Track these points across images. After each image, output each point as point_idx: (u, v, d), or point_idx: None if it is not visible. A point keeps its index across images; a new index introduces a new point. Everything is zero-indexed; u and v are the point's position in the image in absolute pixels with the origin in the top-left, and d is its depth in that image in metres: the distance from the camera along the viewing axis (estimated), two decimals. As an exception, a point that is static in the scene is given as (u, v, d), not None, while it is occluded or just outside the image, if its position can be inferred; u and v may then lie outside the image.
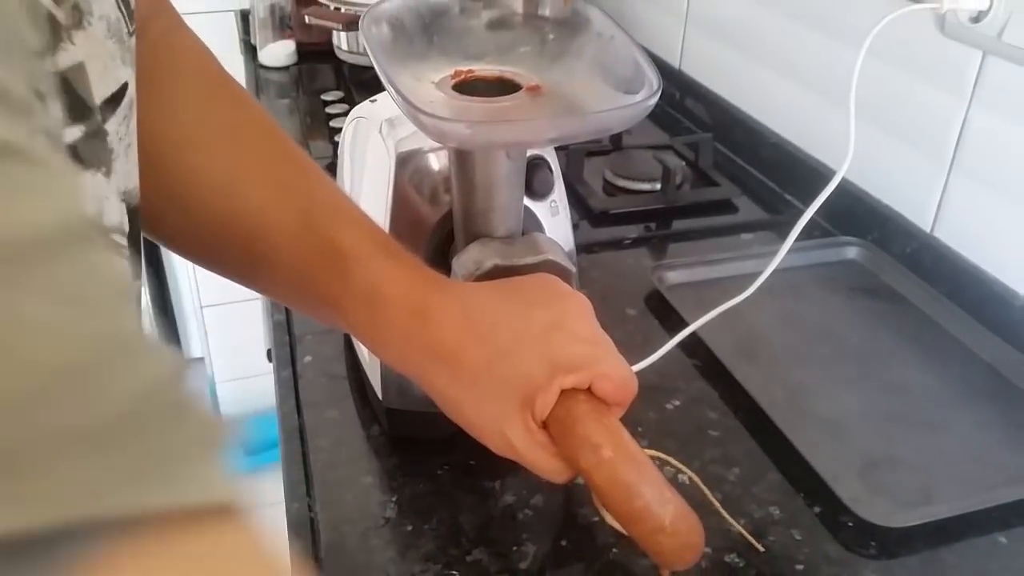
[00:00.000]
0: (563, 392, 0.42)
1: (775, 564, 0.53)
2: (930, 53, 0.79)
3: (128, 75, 0.33)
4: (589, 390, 0.43)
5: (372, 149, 0.59)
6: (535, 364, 0.42)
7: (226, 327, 1.78)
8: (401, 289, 0.43)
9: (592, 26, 0.47)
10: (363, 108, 0.64)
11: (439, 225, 0.55)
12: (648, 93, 0.42)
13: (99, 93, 0.30)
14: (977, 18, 0.71)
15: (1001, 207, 0.74)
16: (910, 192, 0.84)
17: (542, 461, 0.44)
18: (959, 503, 0.56)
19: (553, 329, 0.42)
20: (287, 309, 0.75)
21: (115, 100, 0.32)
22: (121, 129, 0.33)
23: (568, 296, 0.45)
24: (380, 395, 0.60)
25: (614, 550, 0.53)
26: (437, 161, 0.55)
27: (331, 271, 0.44)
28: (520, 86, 0.44)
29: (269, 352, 2.04)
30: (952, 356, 0.72)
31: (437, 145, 0.55)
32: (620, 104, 0.43)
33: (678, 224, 0.95)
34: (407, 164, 0.55)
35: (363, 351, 0.64)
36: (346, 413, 0.65)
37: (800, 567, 0.53)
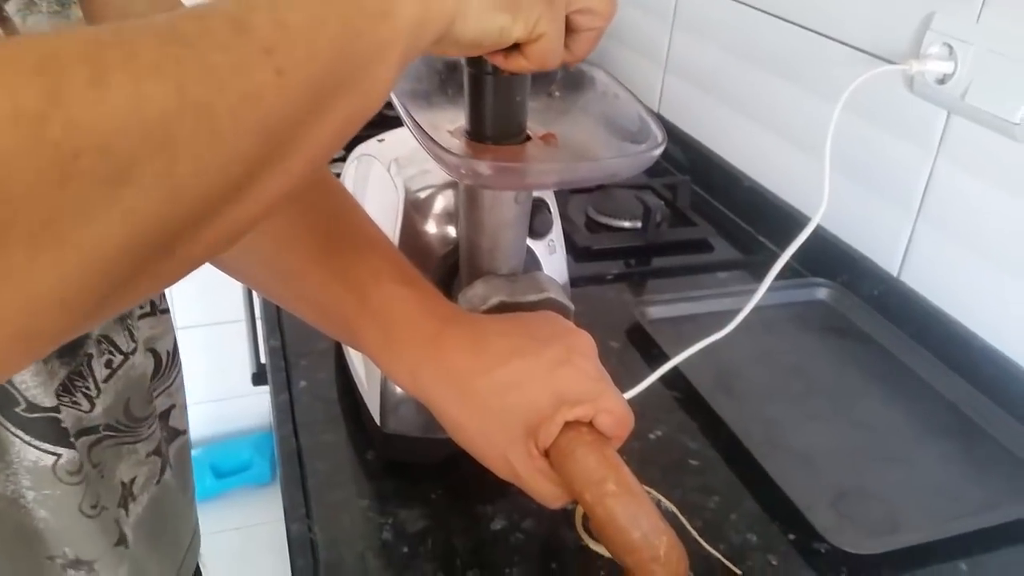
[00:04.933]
0: (566, 424, 0.45)
1: (753, 588, 0.56)
2: (900, 110, 0.84)
3: None
4: (590, 423, 0.46)
5: (378, 186, 0.62)
6: (542, 396, 0.44)
7: (200, 349, 1.78)
8: (417, 315, 0.46)
9: (597, 85, 0.51)
10: (369, 146, 0.67)
11: (443, 260, 0.58)
12: (654, 144, 0.46)
13: None
14: (943, 80, 0.76)
15: (964, 254, 0.79)
16: (879, 238, 0.89)
17: (541, 486, 0.47)
18: (924, 532, 0.60)
19: (561, 365, 0.45)
20: (283, 334, 0.77)
21: None
22: None
23: (574, 334, 0.48)
24: (378, 420, 0.62)
25: (601, 573, 0.55)
26: (444, 200, 0.58)
27: (350, 292, 0.46)
28: (529, 137, 0.48)
29: (256, 375, 2.01)
30: (917, 394, 0.77)
31: (445, 184, 0.58)
32: (630, 152, 0.47)
33: (657, 261, 0.99)
34: (416, 201, 0.58)
35: (360, 377, 0.67)
36: (341, 437, 0.67)
37: (777, 591, 0.56)
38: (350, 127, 0.32)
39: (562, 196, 1.05)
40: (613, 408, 0.45)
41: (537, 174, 0.46)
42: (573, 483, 0.45)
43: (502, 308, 0.51)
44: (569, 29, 0.42)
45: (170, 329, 0.53)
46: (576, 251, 0.98)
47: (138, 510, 0.50)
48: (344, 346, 0.73)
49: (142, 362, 0.48)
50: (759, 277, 0.71)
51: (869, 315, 0.87)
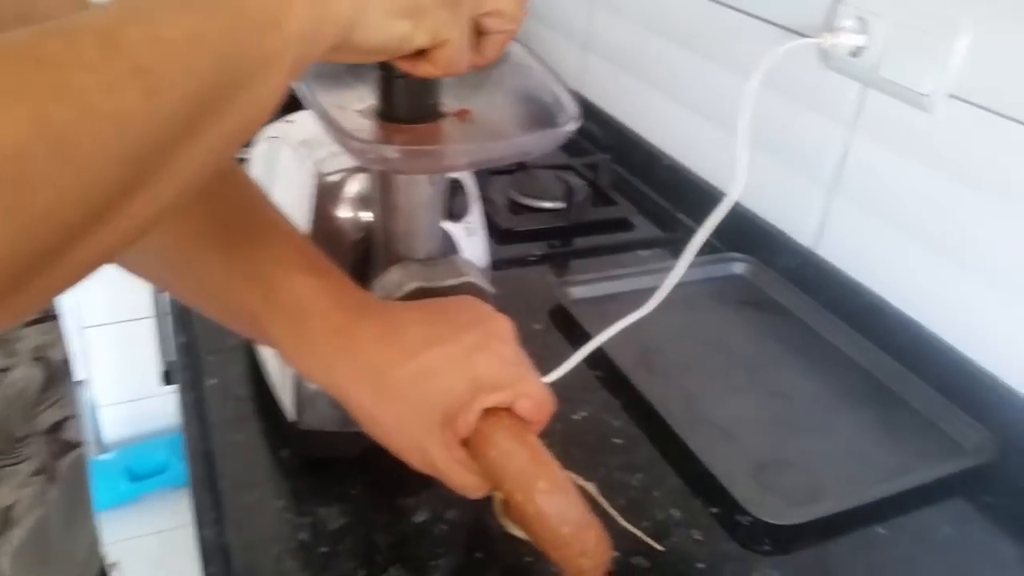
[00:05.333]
0: (485, 411, 0.44)
1: (678, 564, 0.56)
2: (814, 84, 0.85)
3: None
4: (509, 409, 0.45)
5: (288, 169, 0.60)
6: (459, 383, 0.43)
7: (109, 349, 1.71)
8: (327, 306, 0.44)
9: (511, 58, 0.49)
10: (277, 128, 0.64)
11: (357, 245, 0.56)
12: (567, 119, 0.44)
13: None
14: (856, 53, 0.78)
15: (878, 226, 0.81)
16: (795, 212, 0.91)
17: (460, 477, 0.45)
18: (843, 500, 0.61)
19: (478, 350, 0.44)
20: (192, 332, 0.74)
21: None
22: None
23: (493, 318, 0.46)
24: (292, 415, 0.60)
25: (527, 558, 0.55)
26: (357, 183, 0.56)
27: (254, 285, 0.44)
28: (442, 114, 0.46)
29: (166, 374, 1.94)
30: (833, 363, 0.78)
31: (357, 167, 0.56)
32: (543, 129, 0.45)
33: (579, 241, 0.99)
34: (327, 185, 0.56)
35: (272, 372, 0.64)
36: (254, 435, 0.64)
37: (701, 565, 0.56)
38: (233, 144, 0.30)
39: (483, 177, 1.03)
40: (532, 392, 0.45)
41: (448, 156, 0.44)
42: (500, 479, 0.44)
43: (419, 294, 0.50)
44: (479, 32, 0.41)
45: (61, 336, 0.50)
46: (499, 233, 0.97)
47: (21, 535, 0.46)
48: (256, 338, 0.71)
49: (25, 375, 0.45)
50: (679, 254, 0.71)
51: (786, 288, 0.88)
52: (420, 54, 0.39)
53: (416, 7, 0.37)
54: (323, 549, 0.55)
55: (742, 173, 0.72)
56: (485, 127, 0.46)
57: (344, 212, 0.56)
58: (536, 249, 0.95)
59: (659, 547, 0.56)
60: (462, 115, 0.47)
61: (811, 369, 0.78)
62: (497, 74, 0.49)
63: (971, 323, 0.73)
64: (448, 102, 0.47)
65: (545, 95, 0.47)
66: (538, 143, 0.46)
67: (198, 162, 0.29)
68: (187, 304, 0.54)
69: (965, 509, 0.64)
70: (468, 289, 0.51)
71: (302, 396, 0.58)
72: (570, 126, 0.44)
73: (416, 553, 0.55)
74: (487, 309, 0.47)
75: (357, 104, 0.46)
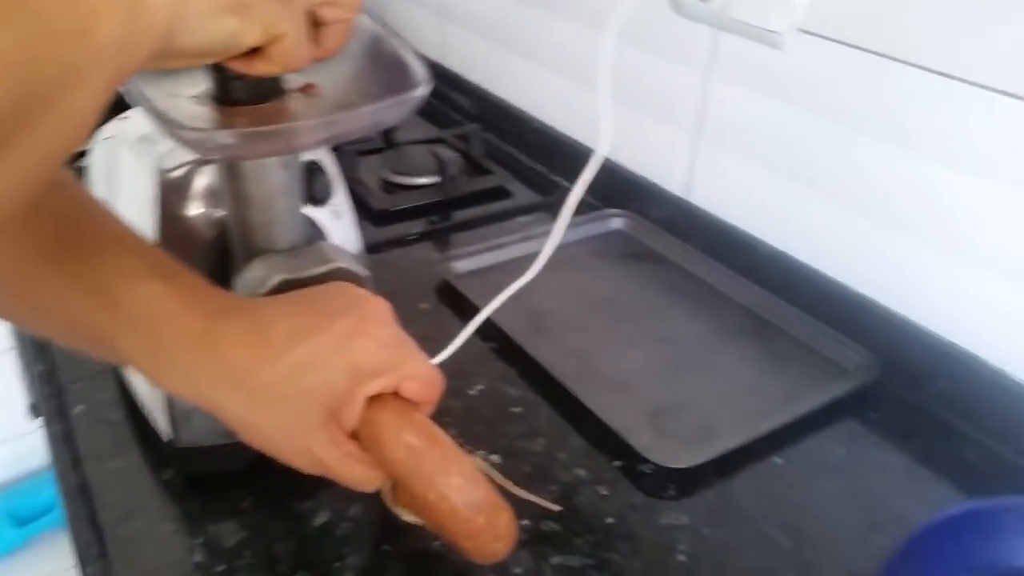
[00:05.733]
0: (370, 398, 0.42)
1: (588, 521, 0.56)
2: (668, 32, 0.86)
3: None
4: (396, 393, 0.43)
5: (128, 170, 0.55)
6: (337, 374, 0.41)
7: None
8: (181, 312, 0.41)
9: (356, 26, 0.47)
10: (112, 127, 0.59)
11: (213, 243, 0.53)
12: (418, 84, 0.43)
13: None
14: (703, -3, 0.78)
15: (744, 167, 0.83)
16: (664, 162, 0.92)
17: (353, 472, 0.44)
18: (738, 435, 0.62)
19: (354, 336, 0.42)
20: (52, 358, 0.69)
21: None
22: None
23: (366, 302, 0.44)
24: (169, 434, 0.56)
25: (435, 544, 0.53)
26: (205, 176, 0.52)
27: (96, 299, 0.40)
28: (285, 90, 0.43)
29: (34, 407, 1.83)
30: (714, 304, 0.80)
31: (203, 159, 0.52)
32: (393, 97, 0.43)
33: (458, 215, 0.97)
34: (171, 182, 0.52)
35: (141, 392, 0.60)
36: (133, 461, 0.60)
37: (611, 520, 0.56)
38: (50, 160, 0.27)
39: (351, 158, 1.00)
40: (417, 373, 0.43)
41: (295, 135, 0.41)
42: (406, 477, 0.42)
43: (285, 287, 0.47)
44: (317, 23, 0.39)
45: None
46: (374, 215, 0.94)
47: None
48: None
49: None
50: (558, 216, 0.71)
51: (663, 237, 0.89)
52: (254, 52, 0.37)
53: (242, 3, 0.35)
54: (221, 568, 0.52)
55: (607, 129, 0.72)
56: (333, 100, 0.43)
57: (193, 209, 0.52)
58: (415, 227, 0.93)
59: (554, 508, 0.56)
60: (307, 90, 0.45)
61: (694, 312, 0.79)
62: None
63: (840, 248, 0.75)
64: (291, 77, 0.44)
65: (394, 62, 0.45)
66: (391, 111, 0.43)
67: (12, 180, 0.26)
68: (36, 333, 0.49)
69: (854, 428, 0.66)
70: (339, 275, 0.49)
71: (175, 413, 0.54)
72: (421, 90, 0.43)
73: (320, 557, 0.53)
74: (360, 293, 0.45)
75: (190, 90, 0.43)
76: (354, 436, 0.43)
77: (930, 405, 0.68)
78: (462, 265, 0.84)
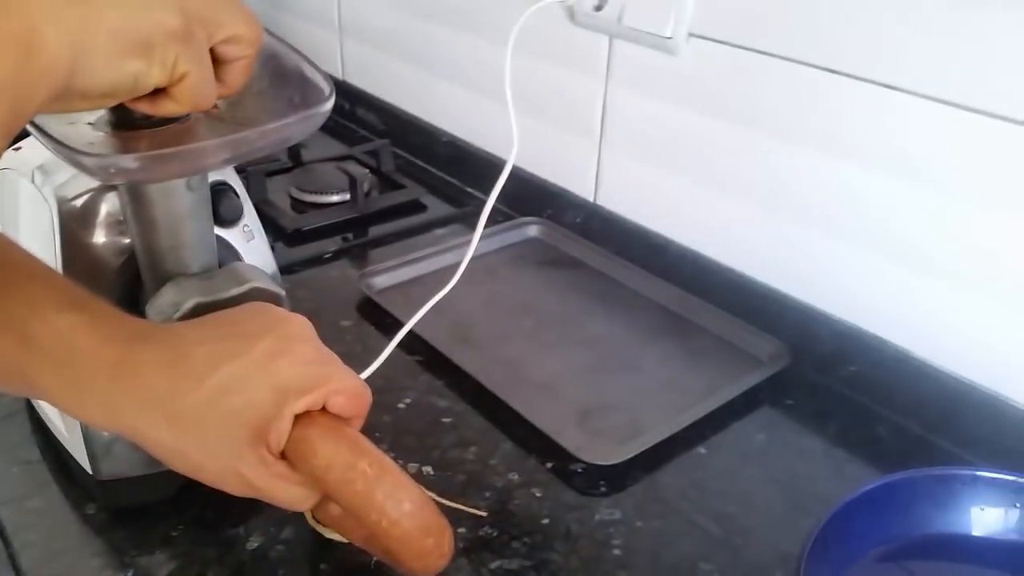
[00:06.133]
0: (297, 417, 0.41)
1: (524, 524, 0.57)
2: (566, 42, 0.88)
3: None
4: (323, 410, 0.43)
5: (26, 202, 0.53)
6: (262, 394, 0.40)
7: None
8: (95, 342, 0.39)
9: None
10: (7, 158, 0.57)
11: (121, 272, 0.51)
12: (324, 99, 0.42)
13: None
14: (599, 7, 0.81)
15: (648, 169, 0.85)
16: (572, 169, 0.94)
17: (284, 492, 0.43)
18: (663, 429, 0.64)
19: (276, 356, 0.41)
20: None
21: None
22: None
23: (286, 320, 0.44)
24: (89, 469, 0.54)
25: (372, 560, 0.53)
26: (107, 202, 0.51)
27: (5, 334, 0.39)
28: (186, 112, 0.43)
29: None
30: (631, 304, 0.82)
31: (104, 185, 0.51)
32: (299, 113, 0.43)
33: (374, 230, 0.97)
34: (73, 211, 0.50)
35: (56, 426, 0.58)
36: (52, 499, 0.58)
37: (546, 521, 0.57)
38: None
39: (259, 179, 0.98)
40: (343, 387, 0.43)
41: (198, 155, 0.41)
42: (316, 478, 0.42)
43: (200, 310, 0.46)
44: (218, 61, 0.39)
45: None
46: (286, 236, 0.93)
47: None
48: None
49: None
50: (474, 227, 0.71)
51: (577, 242, 0.91)
52: (159, 92, 0.38)
53: (145, 43, 0.35)
54: (150, 602, 0.50)
55: (515, 139, 0.73)
56: (236, 120, 0.43)
57: (98, 237, 0.51)
58: (330, 245, 0.92)
59: (481, 514, 0.57)
60: (208, 111, 0.44)
61: (613, 314, 0.81)
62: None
63: (746, 243, 0.78)
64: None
65: (296, 77, 0.45)
66: (297, 127, 0.43)
67: None
68: None
69: (772, 415, 0.69)
70: (256, 295, 0.48)
71: (95, 445, 0.52)
72: (327, 105, 0.43)
73: (255, 582, 0.52)
74: (279, 312, 0.45)
75: (87, 116, 0.42)
76: (283, 456, 0.42)
77: (842, 388, 0.72)
78: (381, 280, 0.84)
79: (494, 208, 0.70)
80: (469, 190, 1.05)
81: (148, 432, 0.40)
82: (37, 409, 0.62)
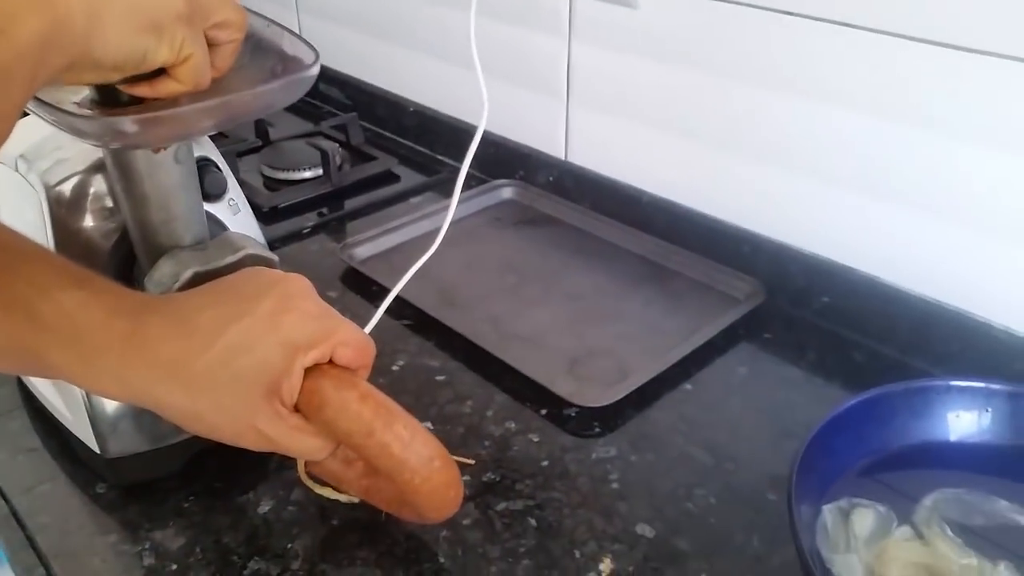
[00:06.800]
0: (307, 370, 0.43)
1: (525, 467, 0.59)
2: (529, 3, 0.89)
3: None
4: (331, 362, 0.44)
5: (11, 191, 0.53)
6: (271, 351, 0.42)
7: None
8: (103, 316, 0.40)
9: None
10: (-16, 148, 0.57)
11: (114, 252, 0.52)
12: (309, 61, 0.44)
13: None
14: (555, -34, 0.82)
15: (615, 122, 0.87)
16: (541, 129, 0.95)
17: (301, 443, 0.44)
18: (649, 370, 0.67)
19: (280, 313, 0.43)
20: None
21: None
22: None
23: (285, 279, 0.45)
24: (96, 448, 0.55)
25: (384, 513, 0.55)
26: (94, 186, 0.51)
27: (13, 315, 0.40)
28: None
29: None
30: (609, 256, 0.84)
31: (89, 168, 0.51)
32: (288, 76, 0.44)
33: (350, 203, 0.98)
34: (60, 196, 0.51)
35: (58, 410, 0.58)
36: (61, 482, 0.59)
37: (545, 463, 0.59)
38: None
39: (230, 159, 0.97)
40: (349, 339, 0.44)
41: (190, 117, 0.42)
42: (330, 426, 0.44)
43: (198, 280, 0.47)
44: (209, 45, 0.42)
45: None
46: (263, 214, 0.94)
47: None
48: (29, 383, 0.64)
49: None
50: (448, 193, 0.72)
51: (552, 201, 0.93)
52: (159, 74, 0.40)
53: (157, 24, 0.37)
54: (172, 568, 0.51)
55: (485, 103, 0.74)
56: (221, 89, 0.44)
57: (88, 221, 0.51)
58: (307, 220, 0.93)
59: (469, 461, 0.59)
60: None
61: (592, 267, 0.83)
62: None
63: (715, 188, 0.81)
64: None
65: (278, 48, 0.46)
66: (283, 91, 0.44)
67: None
68: None
69: (751, 349, 0.72)
70: (251, 262, 0.49)
71: (101, 425, 0.54)
72: (313, 70, 0.44)
73: (271, 542, 0.53)
74: (276, 273, 0.46)
75: (72, 98, 0.42)
76: (297, 408, 0.43)
77: (816, 319, 0.75)
78: (363, 251, 0.85)
79: (468, 173, 0.71)
80: (440, 158, 1.07)
81: (163, 399, 0.41)
82: (38, 397, 0.63)
